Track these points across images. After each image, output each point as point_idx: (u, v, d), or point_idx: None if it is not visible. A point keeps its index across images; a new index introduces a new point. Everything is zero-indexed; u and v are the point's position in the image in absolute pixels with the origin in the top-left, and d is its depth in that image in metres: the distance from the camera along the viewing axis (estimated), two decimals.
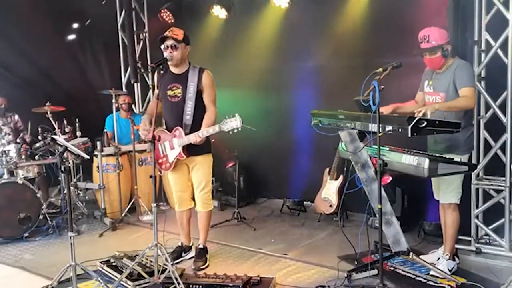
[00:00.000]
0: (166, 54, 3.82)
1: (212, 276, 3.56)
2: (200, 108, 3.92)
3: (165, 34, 3.85)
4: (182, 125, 3.91)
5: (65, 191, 5.37)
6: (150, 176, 3.54)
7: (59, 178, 5.66)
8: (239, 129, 3.54)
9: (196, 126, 3.86)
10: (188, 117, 3.91)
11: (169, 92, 3.95)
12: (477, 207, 4.22)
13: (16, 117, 6.04)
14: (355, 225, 5.05)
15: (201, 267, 4.01)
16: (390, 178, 4.66)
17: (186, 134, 3.86)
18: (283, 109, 5.98)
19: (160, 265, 3.58)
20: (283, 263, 4.15)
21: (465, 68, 3.60)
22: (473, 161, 4.05)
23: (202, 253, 4.15)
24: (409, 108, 3.77)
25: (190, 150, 3.91)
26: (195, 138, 3.77)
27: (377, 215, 3.38)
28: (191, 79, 3.90)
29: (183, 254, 4.24)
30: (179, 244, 4.30)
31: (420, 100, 3.88)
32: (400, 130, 3.15)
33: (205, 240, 4.23)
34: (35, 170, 5.53)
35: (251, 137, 5.77)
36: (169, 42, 3.81)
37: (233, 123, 3.57)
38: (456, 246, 3.87)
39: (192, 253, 4.30)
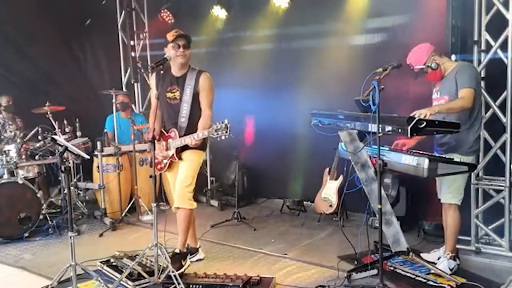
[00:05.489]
0: (177, 53, 3.77)
1: (212, 276, 3.56)
2: (196, 111, 3.88)
3: (178, 33, 3.79)
4: (177, 127, 3.90)
5: (65, 191, 5.37)
6: (150, 176, 3.54)
7: (59, 178, 5.66)
8: (226, 137, 3.47)
9: (191, 128, 3.82)
10: (183, 119, 3.89)
11: (169, 94, 3.93)
12: (477, 207, 4.22)
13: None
14: (355, 225, 5.05)
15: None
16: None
17: (180, 137, 3.85)
18: (283, 109, 5.98)
19: (160, 265, 3.58)
20: (283, 263, 4.15)
21: (466, 69, 3.65)
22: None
23: (177, 258, 3.84)
24: None
25: (181, 147, 3.87)
26: (190, 140, 3.72)
27: (377, 215, 3.38)
28: (188, 82, 3.88)
29: (189, 256, 4.11)
30: (177, 251, 3.97)
31: None
32: (399, 130, 3.15)
33: (183, 244, 4.01)
34: (35, 170, 5.54)
35: (251, 137, 5.82)
36: (182, 42, 3.78)
37: (220, 132, 3.46)
38: (456, 246, 3.87)
39: (200, 256, 4.26)
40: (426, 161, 3.16)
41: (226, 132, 3.45)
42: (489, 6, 4.01)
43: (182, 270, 3.80)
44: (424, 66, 3.66)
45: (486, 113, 4.14)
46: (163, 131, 4.02)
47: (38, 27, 6.70)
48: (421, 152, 3.46)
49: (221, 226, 5.25)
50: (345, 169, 5.07)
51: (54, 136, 3.92)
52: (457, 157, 3.56)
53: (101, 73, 7.53)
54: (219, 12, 6.19)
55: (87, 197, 6.37)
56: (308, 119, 4.01)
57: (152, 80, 4.04)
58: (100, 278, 3.53)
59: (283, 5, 5.68)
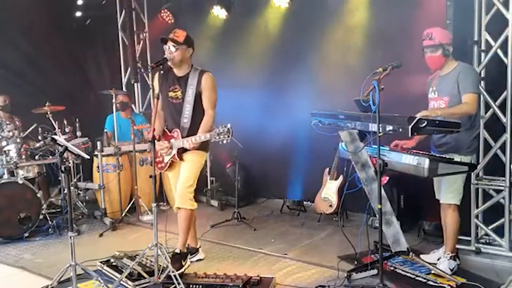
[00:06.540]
0: (166, 54, 3.81)
1: (212, 276, 3.56)
2: (199, 112, 3.88)
3: (166, 36, 3.82)
4: (180, 128, 3.90)
5: (65, 191, 5.37)
6: (150, 176, 3.54)
7: (59, 178, 5.66)
8: (228, 141, 3.47)
9: (193, 129, 3.83)
10: (185, 120, 3.89)
11: (171, 94, 3.94)
12: (477, 207, 4.22)
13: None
14: (355, 225, 5.05)
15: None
16: (387, 178, 4.67)
17: (183, 137, 3.85)
18: (283, 109, 5.98)
19: (160, 265, 3.58)
20: (283, 263, 4.15)
21: (469, 72, 3.62)
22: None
23: (177, 258, 3.84)
24: None
25: (183, 148, 3.88)
26: (188, 144, 3.75)
27: (377, 215, 3.38)
28: (191, 82, 3.88)
29: (189, 257, 4.11)
30: (177, 251, 3.96)
31: None
32: (400, 130, 3.15)
33: (184, 244, 4.01)
34: (35, 170, 5.54)
35: (251, 137, 5.81)
36: (168, 44, 3.80)
37: (222, 136, 3.47)
38: (456, 246, 3.88)
39: (200, 256, 4.25)
40: (427, 160, 3.16)
41: (228, 136, 3.45)
42: (489, 6, 4.01)
43: (182, 270, 3.80)
44: (440, 44, 3.56)
45: (486, 113, 4.15)
46: (166, 130, 4.02)
47: (38, 27, 6.70)
48: (421, 152, 3.46)
49: (221, 226, 5.25)
50: (345, 169, 5.08)
51: (54, 136, 3.91)
52: (457, 158, 3.56)
53: (101, 73, 7.53)
54: (219, 12, 6.19)
55: (87, 197, 6.37)
56: (308, 119, 4.01)
57: (155, 80, 4.04)
58: (100, 278, 3.53)
59: (283, 5, 5.68)
